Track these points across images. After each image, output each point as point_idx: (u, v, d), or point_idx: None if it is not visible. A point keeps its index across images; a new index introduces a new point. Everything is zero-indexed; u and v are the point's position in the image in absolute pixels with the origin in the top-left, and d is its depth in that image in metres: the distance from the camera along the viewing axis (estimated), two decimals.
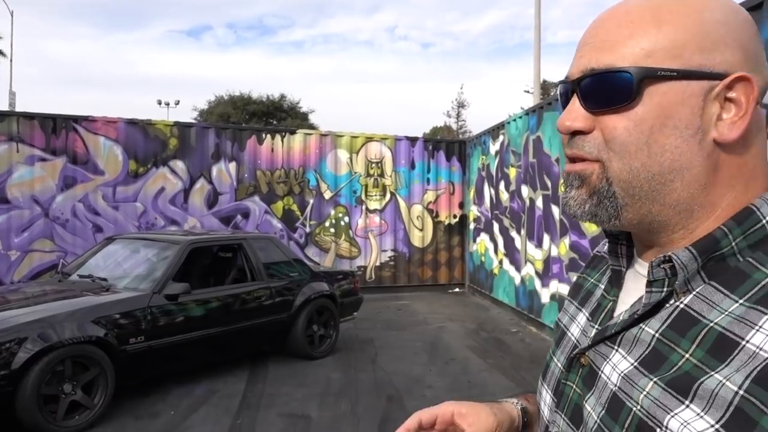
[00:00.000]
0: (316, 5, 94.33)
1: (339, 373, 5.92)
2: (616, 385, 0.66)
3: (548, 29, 74.35)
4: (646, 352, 0.64)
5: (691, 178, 0.64)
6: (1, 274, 8.69)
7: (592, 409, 0.69)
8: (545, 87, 22.32)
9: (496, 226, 9.81)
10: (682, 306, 0.63)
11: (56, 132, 9.08)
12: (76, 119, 9.25)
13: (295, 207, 10.54)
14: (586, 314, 0.80)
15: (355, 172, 10.94)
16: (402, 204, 11.22)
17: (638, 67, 0.63)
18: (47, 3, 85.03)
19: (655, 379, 0.61)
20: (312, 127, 29.55)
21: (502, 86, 76.26)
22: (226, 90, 41.88)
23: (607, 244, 0.79)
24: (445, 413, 0.89)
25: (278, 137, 10.58)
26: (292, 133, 10.91)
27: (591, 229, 6.40)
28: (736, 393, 0.54)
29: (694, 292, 0.63)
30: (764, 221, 0.63)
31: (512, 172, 9.02)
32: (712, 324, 0.60)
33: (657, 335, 0.64)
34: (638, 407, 0.62)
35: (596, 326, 0.75)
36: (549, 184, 7.60)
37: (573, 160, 0.70)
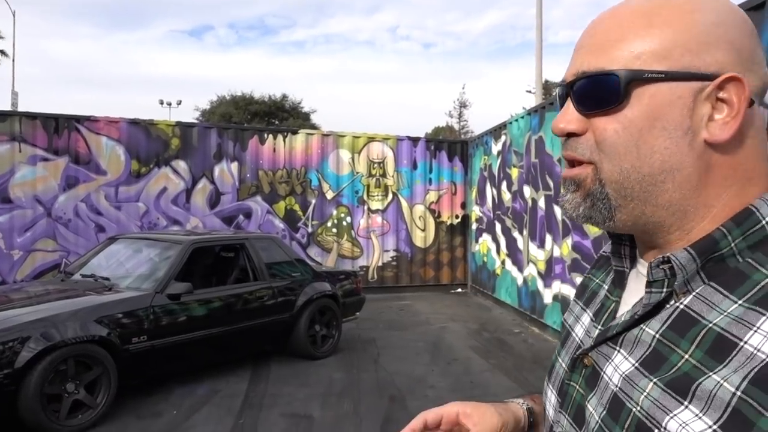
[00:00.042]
0: (316, 5, 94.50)
1: (341, 373, 5.92)
2: (617, 386, 0.66)
3: (550, 29, 74.29)
4: (647, 353, 0.64)
5: (683, 179, 0.64)
6: (4, 274, 8.70)
7: (594, 409, 0.69)
8: (547, 87, 22.30)
9: (498, 227, 9.81)
10: (681, 307, 0.63)
11: (58, 132, 9.09)
12: (79, 119, 9.27)
13: (297, 207, 10.55)
14: (590, 315, 0.80)
15: (357, 172, 10.94)
16: (404, 204, 11.22)
17: (626, 70, 0.63)
18: (49, 3, 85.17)
19: (654, 380, 0.61)
20: (314, 127, 29.57)
21: (503, 86, 76.33)
22: (228, 90, 42.01)
23: (610, 245, 0.79)
24: (450, 413, 0.89)
25: (280, 137, 10.59)
26: (294, 133, 10.91)
27: (593, 230, 6.39)
28: (734, 394, 0.54)
29: (693, 293, 0.63)
30: (764, 222, 0.62)
31: (514, 173, 9.01)
32: (711, 325, 0.60)
33: (657, 336, 0.64)
34: (638, 408, 0.62)
35: (599, 327, 0.75)
36: (551, 184, 7.60)
37: (570, 162, 0.71)
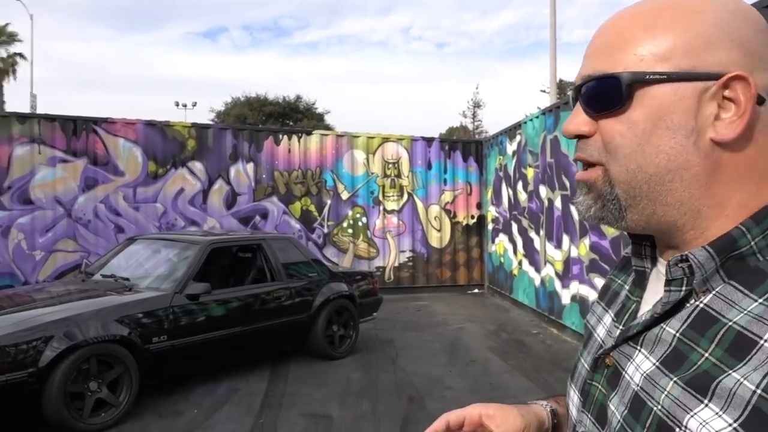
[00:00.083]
0: (330, 7, 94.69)
1: (359, 374, 5.93)
2: (638, 385, 0.66)
3: (564, 28, 73.98)
4: (668, 352, 0.65)
5: (691, 178, 0.64)
6: (26, 274, 8.80)
7: (616, 408, 0.70)
8: (562, 86, 22.20)
9: (514, 227, 9.77)
10: (701, 305, 0.64)
11: (77, 134, 9.18)
12: (96, 121, 9.35)
13: (312, 207, 10.57)
14: (612, 315, 0.80)
15: (372, 173, 10.95)
16: (419, 204, 11.21)
17: (628, 72, 0.65)
18: (65, 6, 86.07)
19: (675, 379, 0.62)
20: (328, 127, 29.63)
21: (517, 86, 76.06)
22: (243, 91, 42.11)
23: (631, 246, 0.79)
24: (472, 415, 0.90)
25: (295, 138, 10.62)
26: (309, 133, 10.95)
27: (611, 230, 6.34)
28: (754, 392, 0.54)
29: (713, 292, 0.63)
30: None
31: (530, 173, 8.97)
32: (731, 323, 0.60)
33: (678, 335, 0.64)
34: (659, 407, 0.62)
35: (620, 327, 0.76)
36: (567, 184, 7.55)
37: (583, 164, 0.73)
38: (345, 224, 10.77)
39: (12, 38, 33.97)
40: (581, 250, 7.14)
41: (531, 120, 9.01)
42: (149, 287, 5.33)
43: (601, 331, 0.81)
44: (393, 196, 11.05)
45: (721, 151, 0.64)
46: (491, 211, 11.11)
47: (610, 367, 0.73)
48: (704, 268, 0.63)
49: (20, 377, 4.06)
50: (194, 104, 37.99)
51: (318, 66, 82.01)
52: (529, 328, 8.20)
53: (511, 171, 9.93)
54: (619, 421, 0.68)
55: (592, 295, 6.89)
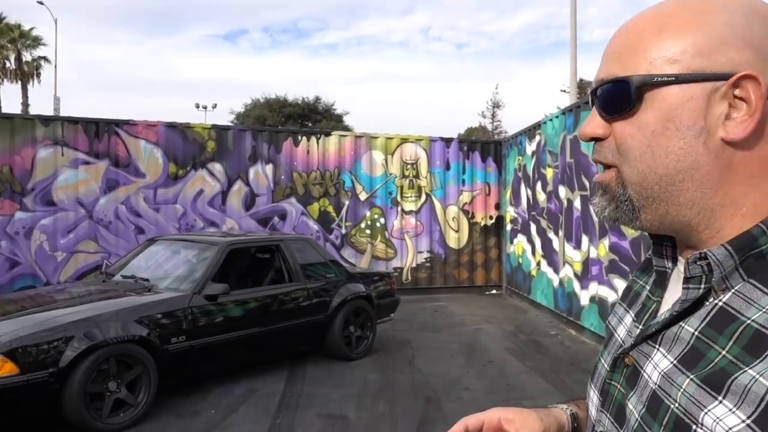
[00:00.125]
0: (349, 8, 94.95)
1: (376, 375, 5.93)
2: (656, 384, 0.67)
3: (584, 28, 73.30)
4: (685, 350, 0.65)
5: (701, 178, 0.65)
6: (48, 275, 8.95)
7: (634, 407, 0.70)
8: (582, 86, 21.98)
9: (533, 227, 9.70)
10: (720, 304, 0.64)
11: (99, 136, 9.32)
12: (118, 123, 9.48)
13: (330, 208, 10.60)
14: (632, 315, 0.81)
15: (391, 174, 10.94)
16: (437, 205, 11.18)
17: (637, 75, 0.66)
18: (89, 9, 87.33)
19: (691, 377, 0.62)
20: (347, 128, 29.72)
21: (537, 86, 75.53)
22: (262, 93, 42.40)
23: (652, 246, 0.79)
24: (491, 419, 0.90)
25: (314, 139, 10.66)
26: (327, 134, 10.97)
27: (631, 231, 6.25)
28: None
29: (732, 290, 0.63)
30: None
31: (549, 173, 8.90)
32: (749, 321, 0.60)
33: (696, 333, 0.65)
34: (676, 405, 0.62)
35: (640, 326, 0.76)
36: (587, 184, 7.48)
37: (604, 166, 0.74)
38: (363, 225, 10.78)
39: (37, 42, 34.62)
40: (600, 250, 7.07)
41: (551, 120, 8.94)
42: (168, 288, 5.38)
43: (621, 332, 0.81)
44: (411, 196, 11.04)
45: (732, 150, 0.64)
46: (510, 212, 11.04)
47: (629, 366, 0.74)
48: (723, 266, 0.63)
49: (41, 377, 4.13)
50: (214, 106, 38.27)
51: (337, 67, 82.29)
52: (547, 329, 8.14)
53: (530, 171, 9.86)
54: (637, 419, 0.69)
55: (611, 297, 6.82)
